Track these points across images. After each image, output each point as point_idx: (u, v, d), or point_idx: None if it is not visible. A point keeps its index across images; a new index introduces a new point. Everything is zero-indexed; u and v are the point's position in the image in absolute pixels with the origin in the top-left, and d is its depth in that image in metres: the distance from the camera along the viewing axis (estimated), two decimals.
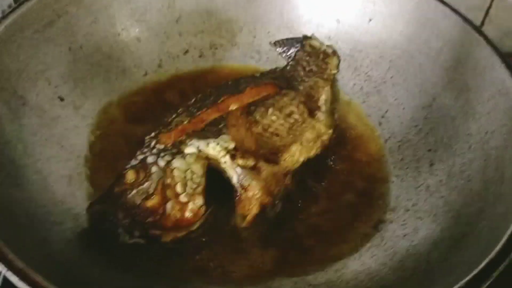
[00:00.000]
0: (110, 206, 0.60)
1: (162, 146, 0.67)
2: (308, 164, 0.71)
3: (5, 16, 0.70)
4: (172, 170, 0.63)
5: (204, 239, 0.64)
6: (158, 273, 0.61)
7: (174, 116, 0.73)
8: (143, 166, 0.63)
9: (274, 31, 0.90)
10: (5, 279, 0.51)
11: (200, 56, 0.89)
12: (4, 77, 0.68)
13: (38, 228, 0.59)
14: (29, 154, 0.66)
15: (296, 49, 0.88)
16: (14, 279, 0.46)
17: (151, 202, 0.60)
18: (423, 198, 0.69)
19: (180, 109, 0.74)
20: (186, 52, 0.88)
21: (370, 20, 0.85)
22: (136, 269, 0.61)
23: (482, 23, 1.00)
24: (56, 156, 0.69)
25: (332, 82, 0.84)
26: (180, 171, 0.63)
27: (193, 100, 0.76)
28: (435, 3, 0.79)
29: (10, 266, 0.46)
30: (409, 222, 0.67)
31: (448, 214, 0.64)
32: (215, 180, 0.65)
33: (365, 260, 0.64)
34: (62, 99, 0.75)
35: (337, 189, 0.72)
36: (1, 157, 0.62)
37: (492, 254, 0.51)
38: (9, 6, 0.92)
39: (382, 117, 0.81)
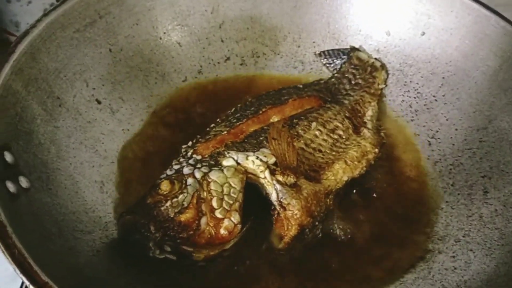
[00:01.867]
0: (142, 217, 0.57)
1: (199, 157, 0.64)
2: (351, 184, 0.66)
3: (46, 14, 0.68)
4: (208, 183, 0.60)
5: (237, 259, 0.60)
6: None
7: (212, 125, 0.70)
8: (179, 177, 0.60)
9: (319, 41, 0.86)
10: None
11: (241, 64, 0.86)
12: (42, 77, 0.66)
13: (66, 236, 0.56)
14: (62, 158, 0.64)
15: (342, 61, 0.84)
16: None
17: (185, 216, 0.57)
18: (476, 229, 0.64)
19: (219, 119, 0.72)
20: (228, 59, 0.85)
21: (423, 33, 0.80)
22: (165, 285, 0.58)
23: None
24: (90, 161, 0.67)
25: (379, 98, 0.80)
26: (217, 185, 0.59)
27: (233, 109, 0.74)
28: (495, 18, 0.74)
29: (33, 280, 0.43)
30: (459, 254, 0.62)
31: (504, 248, 0.59)
32: (252, 195, 0.61)
33: None
34: (99, 102, 0.73)
35: (381, 214, 0.67)
36: (33, 159, 0.60)
37: None
38: (51, 4, 0.92)
39: (432, 137, 0.76)
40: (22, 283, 0.46)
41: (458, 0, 0.76)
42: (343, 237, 0.64)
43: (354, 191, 0.68)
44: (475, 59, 0.76)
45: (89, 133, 0.69)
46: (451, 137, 0.74)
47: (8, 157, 0.55)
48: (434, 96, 0.78)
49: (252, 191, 0.62)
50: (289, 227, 0.60)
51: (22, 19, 0.93)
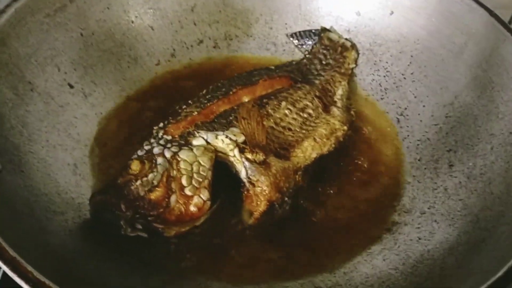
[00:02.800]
0: (113, 197, 0.58)
1: (169, 137, 0.65)
2: (320, 161, 0.68)
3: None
4: (178, 162, 0.61)
5: (208, 235, 0.61)
6: (159, 267, 0.59)
7: (184, 107, 0.71)
8: (149, 157, 0.61)
9: (291, 23, 0.87)
10: (5, 273, 0.49)
11: (214, 47, 0.87)
12: (13, 62, 0.67)
13: (38, 217, 0.57)
14: (34, 141, 0.65)
15: (313, 42, 0.86)
16: (6, 269, 0.44)
17: (155, 195, 0.58)
18: (441, 201, 0.66)
19: (190, 100, 0.73)
20: (201, 42, 0.86)
21: (391, 13, 0.81)
22: (137, 262, 0.59)
23: (510, 22, 0.96)
24: (62, 144, 0.68)
25: (350, 77, 0.82)
26: (187, 163, 0.61)
27: (204, 91, 0.74)
28: None
29: (1, 256, 0.44)
30: (424, 225, 0.64)
31: (466, 218, 0.61)
32: (223, 174, 0.63)
33: (377, 263, 0.61)
34: (71, 86, 0.73)
35: (350, 189, 0.69)
36: (5, 142, 0.61)
37: (511, 262, 0.48)
38: None
39: (401, 114, 0.78)
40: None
41: None
42: (311, 211, 0.66)
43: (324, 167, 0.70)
44: (442, 37, 0.77)
45: (61, 117, 0.70)
46: (419, 114, 0.76)
47: None
48: (402, 74, 0.80)
49: (224, 169, 0.63)
50: (259, 203, 0.62)
51: None
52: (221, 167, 0.63)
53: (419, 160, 0.72)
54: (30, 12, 0.70)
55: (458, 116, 0.72)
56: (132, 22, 0.82)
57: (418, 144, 0.74)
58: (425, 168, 0.71)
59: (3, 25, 0.66)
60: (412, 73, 0.79)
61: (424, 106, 0.76)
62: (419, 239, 0.63)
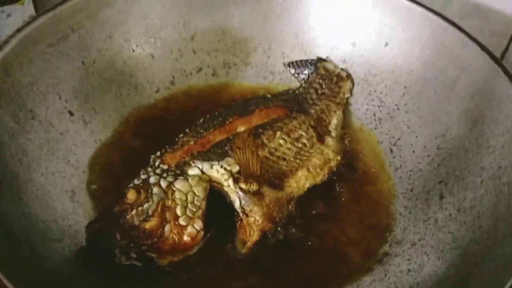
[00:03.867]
0: (108, 225, 0.59)
1: (166, 166, 0.67)
2: (313, 190, 0.69)
3: (19, 30, 0.70)
4: (173, 192, 0.62)
5: (202, 264, 0.63)
6: None
7: (181, 136, 0.73)
8: (145, 186, 0.63)
9: (288, 52, 0.89)
10: None
11: (213, 75, 0.89)
12: (14, 91, 0.68)
13: (35, 244, 0.59)
14: (34, 169, 0.66)
15: (309, 71, 0.87)
16: None
17: (150, 224, 0.60)
18: (431, 233, 0.67)
19: (187, 129, 0.74)
20: (200, 70, 0.88)
21: (386, 44, 0.83)
22: None
23: (506, 49, 0.98)
24: (61, 171, 0.70)
25: (345, 107, 0.83)
26: (181, 193, 0.62)
27: (201, 120, 0.76)
28: (453, 30, 0.76)
29: None
30: (414, 257, 0.65)
31: (455, 251, 0.62)
32: (219, 204, 0.64)
33: None
34: (72, 114, 0.75)
35: (342, 218, 0.70)
36: (4, 170, 0.62)
37: None
38: (30, 16, 0.94)
39: (394, 144, 0.79)
40: None
41: (418, 12, 0.79)
42: (303, 241, 0.67)
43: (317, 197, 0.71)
44: (435, 69, 0.78)
45: (61, 144, 0.72)
46: (412, 144, 0.77)
47: None
48: (396, 105, 0.81)
49: (220, 199, 0.65)
50: (252, 232, 0.63)
51: (2, 32, 0.95)
52: (217, 196, 0.64)
53: (411, 190, 0.73)
54: (33, 42, 0.71)
55: (450, 148, 0.73)
56: (133, 50, 0.84)
57: (410, 175, 0.75)
58: (416, 199, 0.72)
59: (7, 55, 0.68)
60: (405, 104, 0.81)
61: (416, 136, 0.78)
62: (409, 271, 0.64)
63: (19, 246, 0.56)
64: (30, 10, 0.90)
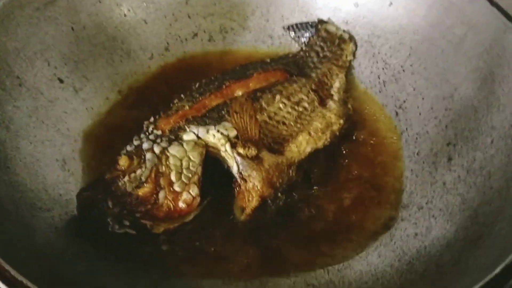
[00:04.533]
0: (100, 193, 0.57)
1: (159, 132, 0.64)
2: (315, 155, 0.66)
3: None
4: (167, 158, 0.59)
5: (199, 232, 0.60)
6: (149, 265, 0.58)
7: (175, 101, 0.70)
8: (138, 152, 0.60)
9: (288, 15, 0.85)
10: None
11: (209, 40, 0.85)
12: (0, 56, 0.65)
13: (23, 214, 0.56)
14: (22, 137, 0.64)
15: (310, 34, 0.84)
16: None
17: (143, 190, 0.57)
18: (439, 196, 0.64)
19: (182, 94, 0.71)
20: (195, 35, 0.85)
21: (390, 3, 0.79)
22: (126, 260, 0.58)
23: None
24: (51, 140, 0.67)
25: (347, 70, 0.80)
26: (176, 159, 0.59)
27: (197, 85, 0.73)
28: None
29: None
30: (421, 221, 0.62)
31: (464, 213, 0.59)
32: (217, 169, 0.61)
33: (372, 260, 0.59)
34: (61, 81, 0.72)
35: (346, 183, 0.67)
36: None
37: (509, 259, 0.46)
38: None
39: (400, 107, 0.75)
40: None
41: None
42: (307, 208, 0.64)
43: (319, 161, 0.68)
44: (442, 28, 0.75)
45: (50, 112, 0.69)
46: (418, 107, 0.74)
47: None
48: (401, 67, 0.78)
49: (218, 165, 0.62)
50: (250, 198, 0.60)
51: None
52: (213, 163, 0.61)
53: (417, 154, 0.70)
54: (19, 5, 0.68)
55: (458, 108, 0.69)
56: (125, 15, 0.80)
57: (416, 138, 0.72)
58: (423, 162, 0.69)
59: None
60: (411, 65, 0.77)
61: (423, 98, 0.74)
62: (416, 235, 0.61)
63: (6, 216, 0.54)
64: None
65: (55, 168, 0.64)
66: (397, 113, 0.75)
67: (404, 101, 0.76)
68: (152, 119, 0.67)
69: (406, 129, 0.73)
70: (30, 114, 0.66)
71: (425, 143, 0.70)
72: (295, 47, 0.85)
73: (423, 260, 0.57)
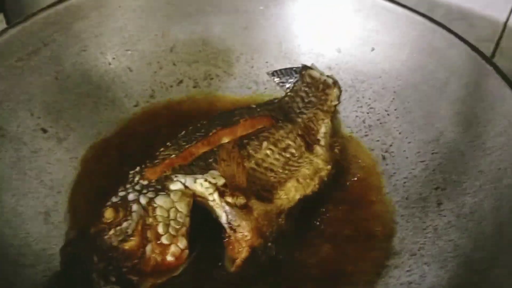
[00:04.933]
0: (84, 248, 0.55)
1: (146, 182, 0.62)
2: (304, 202, 0.65)
3: None
4: (154, 209, 0.58)
5: (188, 286, 0.58)
6: None
7: (161, 149, 0.69)
8: (123, 204, 0.58)
9: (272, 61, 0.86)
10: None
11: (194, 87, 0.85)
12: None
13: (6, 271, 0.54)
14: (4, 189, 0.62)
15: (294, 80, 0.84)
16: None
17: (129, 244, 0.55)
18: (431, 241, 0.63)
19: (168, 142, 0.70)
20: (180, 82, 0.85)
21: (372, 49, 0.81)
22: None
23: (493, 55, 0.96)
24: (34, 192, 0.65)
25: (333, 114, 0.80)
26: (163, 210, 0.58)
27: (183, 132, 0.72)
28: (441, 31, 0.74)
29: None
30: (414, 268, 0.61)
31: (457, 260, 0.58)
32: (205, 220, 0.60)
33: None
34: (45, 131, 0.71)
35: (336, 231, 0.66)
36: None
37: None
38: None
39: (386, 151, 0.76)
40: None
41: (404, 15, 0.77)
42: (297, 257, 0.63)
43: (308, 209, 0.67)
44: (424, 72, 0.76)
45: (34, 163, 0.67)
46: (404, 150, 0.74)
47: None
48: (386, 111, 0.78)
49: (206, 215, 0.60)
50: (240, 249, 0.59)
51: None
52: (201, 211, 0.60)
53: (406, 198, 0.70)
54: (1, 56, 0.68)
55: (445, 152, 0.70)
56: (110, 63, 0.80)
57: (405, 182, 0.71)
58: (413, 207, 0.68)
59: None
60: (395, 109, 0.78)
61: (409, 142, 0.74)
62: (410, 283, 0.59)
63: None
64: (2, 25, 0.86)
65: (39, 221, 0.62)
66: (384, 157, 0.75)
67: (391, 145, 0.76)
68: (138, 168, 0.65)
69: (394, 173, 0.73)
70: (12, 166, 0.65)
71: (413, 188, 0.70)
72: (280, 93, 0.85)
73: None
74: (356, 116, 0.80)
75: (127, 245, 0.55)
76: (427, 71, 0.75)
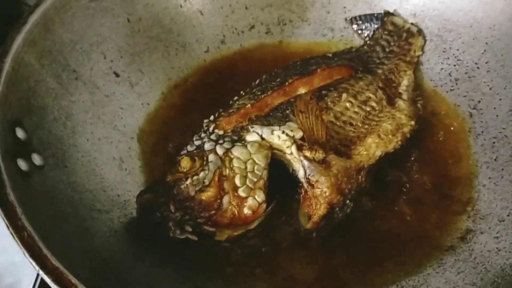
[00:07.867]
0: (162, 196, 0.54)
1: (221, 132, 0.60)
2: (385, 159, 0.62)
3: None
4: (231, 160, 0.56)
5: (263, 240, 0.56)
6: (211, 274, 0.55)
7: (235, 98, 0.66)
8: (200, 153, 0.57)
9: (350, 6, 0.80)
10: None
11: (267, 32, 0.81)
12: (57, 49, 0.63)
13: (82, 216, 0.54)
14: (79, 133, 0.61)
15: (375, 27, 0.79)
16: (47, 279, 0.40)
17: (206, 195, 0.53)
18: None
19: (242, 91, 0.67)
20: (252, 27, 0.81)
21: None
22: (186, 267, 0.55)
23: None
24: (108, 137, 0.64)
25: (416, 66, 0.75)
26: (240, 161, 0.56)
27: (257, 81, 0.69)
28: None
29: (43, 265, 0.40)
30: (504, 235, 0.57)
31: None
32: (278, 172, 0.57)
33: (450, 276, 0.55)
34: (117, 75, 0.69)
35: (418, 191, 0.62)
36: (48, 135, 0.57)
37: None
38: None
39: (474, 108, 0.70)
40: None
41: None
42: (374, 217, 0.60)
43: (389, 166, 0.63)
44: None
45: (107, 107, 0.66)
46: (495, 108, 0.68)
47: (20, 133, 0.53)
48: (476, 64, 0.72)
49: (279, 168, 0.58)
50: (318, 206, 0.56)
51: None
52: (277, 166, 0.58)
53: (495, 159, 0.65)
54: None
55: None
56: (181, 6, 0.77)
57: (494, 142, 0.66)
58: (502, 169, 0.63)
59: (47, 9, 0.62)
60: (486, 62, 0.71)
61: (500, 99, 0.68)
62: (499, 250, 0.56)
63: (64, 218, 0.51)
64: None
65: (113, 167, 0.62)
66: (471, 114, 0.70)
67: (479, 101, 0.70)
68: (212, 117, 0.63)
69: (482, 132, 0.68)
70: (86, 110, 0.64)
71: (503, 148, 0.65)
72: (357, 41, 0.80)
73: (510, 280, 0.52)
74: (442, 69, 0.75)
75: (204, 196, 0.53)
76: None
